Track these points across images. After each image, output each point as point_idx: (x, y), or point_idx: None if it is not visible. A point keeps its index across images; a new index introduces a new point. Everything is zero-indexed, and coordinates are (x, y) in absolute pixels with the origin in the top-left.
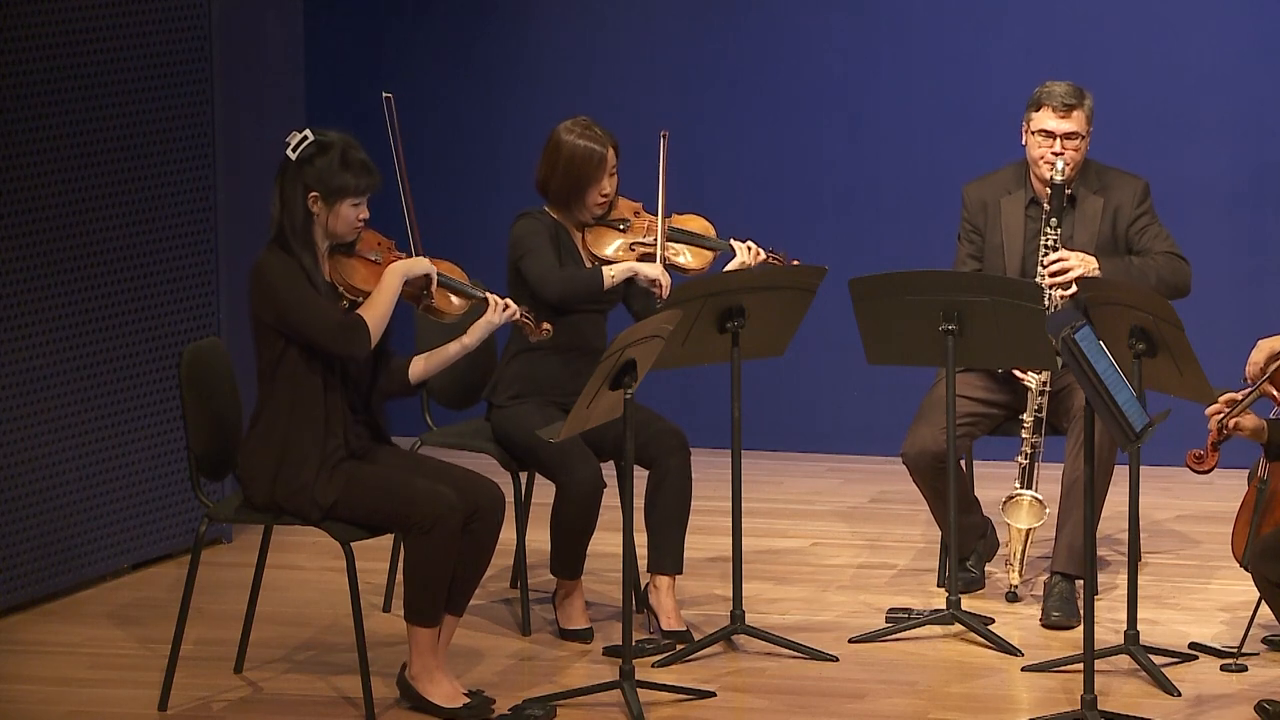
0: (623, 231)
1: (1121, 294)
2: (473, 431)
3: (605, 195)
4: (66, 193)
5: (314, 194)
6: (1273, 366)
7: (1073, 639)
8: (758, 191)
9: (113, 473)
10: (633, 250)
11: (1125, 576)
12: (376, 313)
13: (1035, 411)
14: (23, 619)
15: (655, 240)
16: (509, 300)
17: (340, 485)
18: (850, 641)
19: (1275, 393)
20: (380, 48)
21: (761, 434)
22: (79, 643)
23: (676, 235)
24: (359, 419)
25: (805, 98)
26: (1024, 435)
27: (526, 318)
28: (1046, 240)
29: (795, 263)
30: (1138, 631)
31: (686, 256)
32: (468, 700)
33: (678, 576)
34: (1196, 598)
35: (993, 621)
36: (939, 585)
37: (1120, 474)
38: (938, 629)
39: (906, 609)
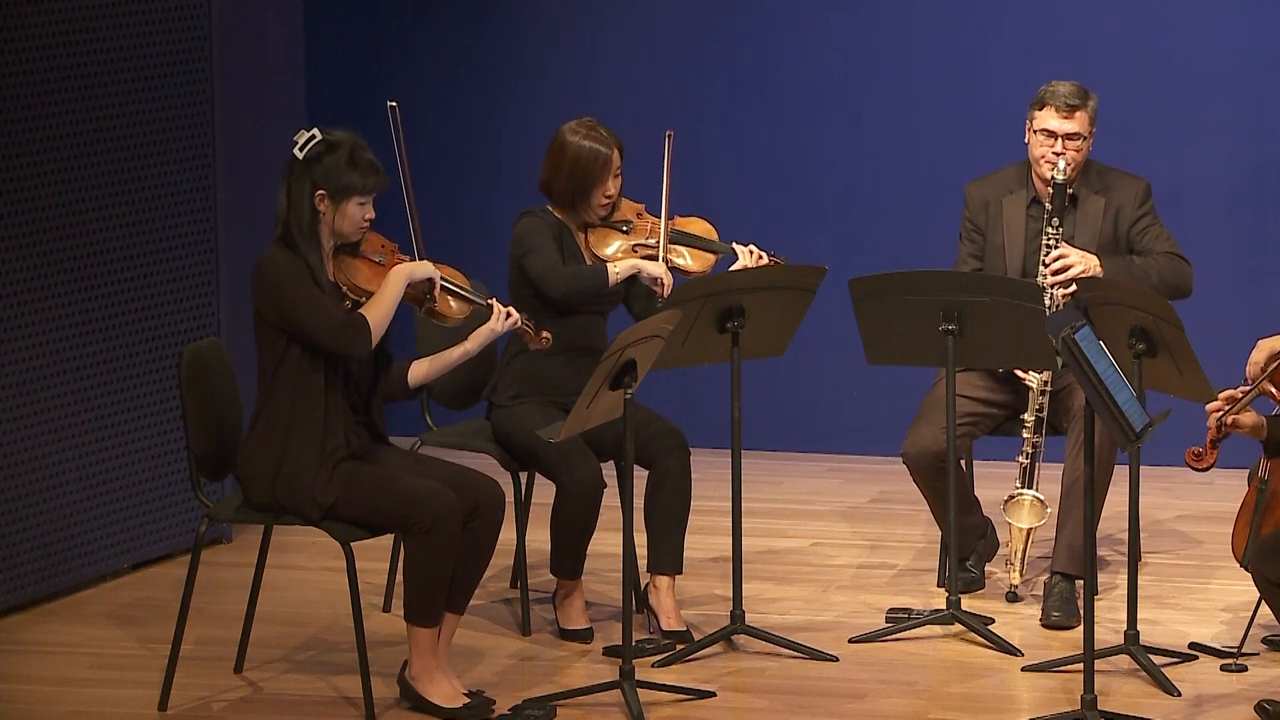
0: (626, 233)
1: (1121, 294)
2: (473, 431)
3: (609, 197)
4: (66, 193)
5: (321, 192)
6: (1273, 365)
7: (1073, 639)
8: (758, 191)
9: (113, 473)
10: (635, 252)
11: (1125, 576)
12: (378, 313)
13: (1036, 411)
14: (23, 619)
15: (658, 242)
16: (511, 308)
17: (340, 485)
18: (850, 641)
19: (1275, 391)
20: (380, 48)
21: (761, 434)
22: (79, 643)
23: (679, 237)
24: (359, 420)
25: (805, 98)
26: (1025, 435)
27: (527, 326)
28: (1048, 240)
29: None
30: (1138, 631)
31: (688, 259)
32: (468, 700)
33: (678, 576)
34: (1196, 598)
35: (993, 621)
36: (939, 585)
37: (1120, 474)
38: (938, 629)
39: (906, 609)
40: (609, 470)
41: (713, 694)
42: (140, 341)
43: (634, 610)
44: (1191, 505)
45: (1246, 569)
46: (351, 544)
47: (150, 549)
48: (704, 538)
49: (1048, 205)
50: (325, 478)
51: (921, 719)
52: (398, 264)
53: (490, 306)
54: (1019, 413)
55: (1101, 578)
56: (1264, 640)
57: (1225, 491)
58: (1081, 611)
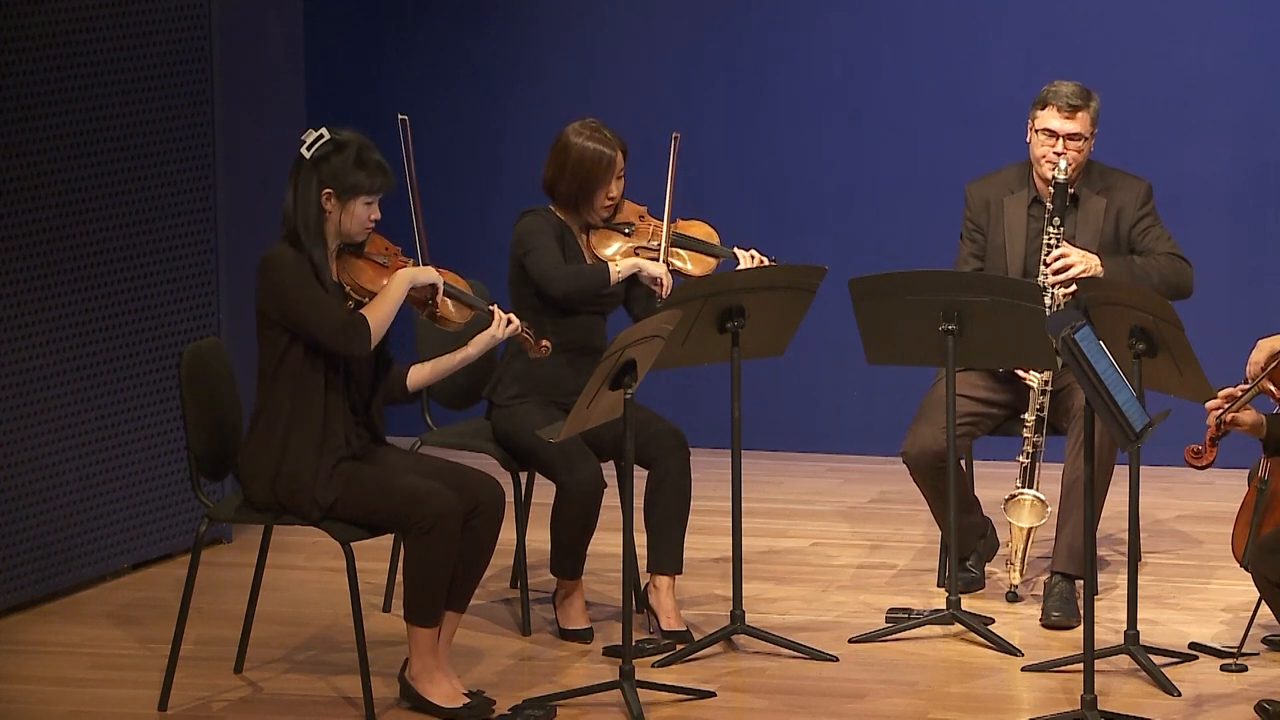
0: (628, 236)
1: (1122, 294)
2: (473, 431)
3: (612, 198)
4: (66, 193)
5: (328, 190)
6: (1273, 364)
7: (1073, 639)
8: (758, 191)
9: (113, 473)
10: (637, 255)
11: (1125, 576)
12: (379, 314)
13: (1037, 411)
14: (23, 619)
15: (660, 245)
16: (511, 315)
17: (340, 485)
18: (850, 641)
19: (1275, 390)
20: (380, 48)
21: (761, 434)
22: (79, 643)
23: (680, 241)
24: (359, 420)
25: (805, 98)
26: (1025, 435)
27: (527, 333)
28: (1049, 239)
29: None
30: (1138, 631)
31: (688, 263)
32: (468, 700)
33: (678, 576)
34: (1196, 598)
35: (993, 621)
36: (939, 585)
37: (1120, 474)
38: (938, 629)
39: (906, 609)
40: (609, 470)
41: (713, 694)
42: (140, 341)
43: (634, 610)
44: (1191, 505)
45: (1246, 569)
46: (351, 544)
47: (150, 549)
48: (704, 538)
49: (1049, 205)
50: (325, 478)
51: (921, 719)
52: (401, 267)
53: (491, 313)
54: (1019, 412)
55: (1101, 578)
56: (1264, 640)
57: (1225, 491)
58: (1081, 611)
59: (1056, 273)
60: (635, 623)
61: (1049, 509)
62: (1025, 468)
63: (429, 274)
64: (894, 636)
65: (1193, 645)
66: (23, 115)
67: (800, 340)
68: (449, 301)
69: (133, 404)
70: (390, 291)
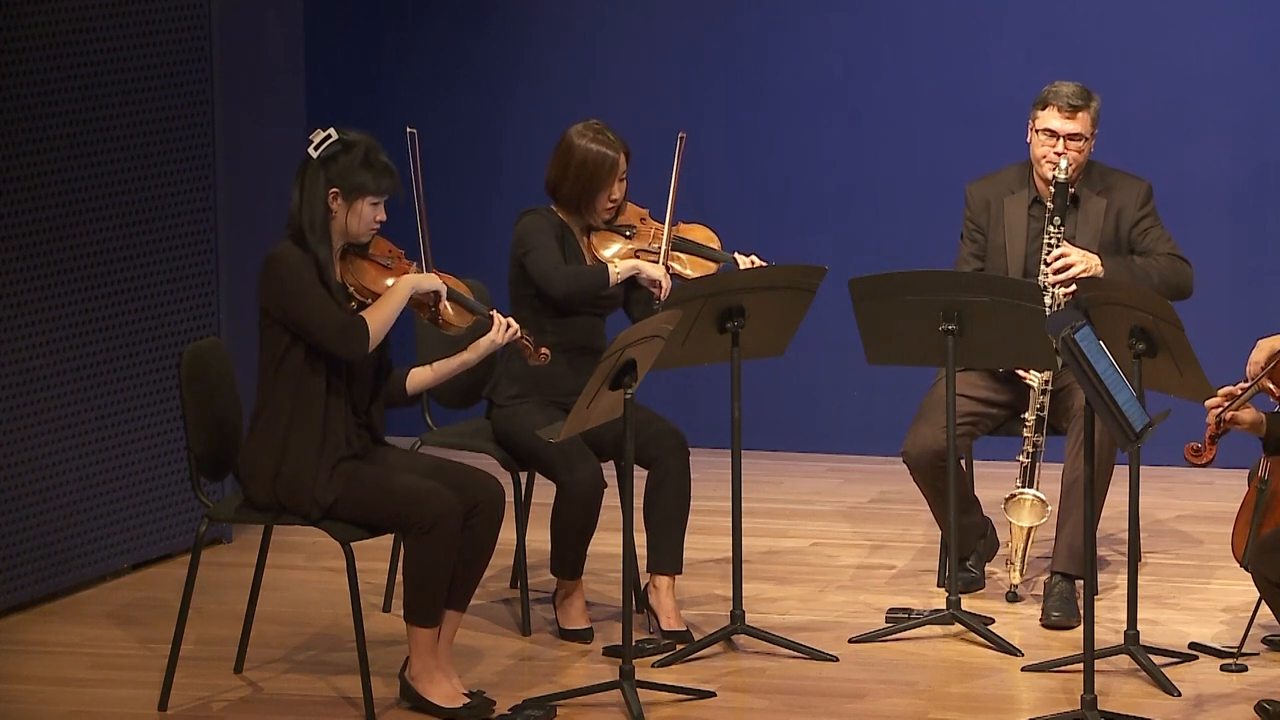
0: (629, 238)
1: (1122, 294)
2: (473, 431)
3: (614, 200)
4: (66, 193)
5: (334, 190)
6: (1273, 363)
7: (1073, 639)
8: (758, 191)
9: (113, 473)
10: (637, 257)
11: (1125, 576)
12: (379, 317)
13: (1037, 410)
14: (23, 619)
15: (660, 247)
16: (511, 320)
17: (340, 485)
18: (850, 641)
19: (1274, 389)
20: (380, 48)
21: (761, 434)
22: (79, 643)
23: (681, 244)
24: (359, 420)
25: (805, 98)
26: (1025, 434)
27: (526, 340)
28: (1049, 239)
29: None
30: (1138, 631)
31: (688, 267)
32: (468, 700)
33: (678, 576)
34: (1196, 598)
35: (993, 621)
36: (939, 585)
37: (1120, 474)
38: (938, 629)
39: (906, 609)
40: (609, 470)
41: (713, 694)
42: (140, 341)
43: (634, 610)
44: (1191, 505)
45: (1246, 569)
46: (351, 544)
47: (150, 549)
48: (704, 538)
49: (1049, 205)
50: (325, 478)
51: (921, 719)
52: (405, 270)
53: (492, 318)
54: (1019, 412)
55: (1101, 578)
56: (1264, 640)
57: (1225, 491)
58: (1081, 611)
59: (1057, 273)
60: (635, 623)
61: (1049, 509)
62: (1025, 467)
63: (432, 281)
64: (894, 636)
65: (1193, 645)
66: (23, 115)
67: (800, 340)
68: (451, 306)
69: (133, 404)
70: (392, 296)
